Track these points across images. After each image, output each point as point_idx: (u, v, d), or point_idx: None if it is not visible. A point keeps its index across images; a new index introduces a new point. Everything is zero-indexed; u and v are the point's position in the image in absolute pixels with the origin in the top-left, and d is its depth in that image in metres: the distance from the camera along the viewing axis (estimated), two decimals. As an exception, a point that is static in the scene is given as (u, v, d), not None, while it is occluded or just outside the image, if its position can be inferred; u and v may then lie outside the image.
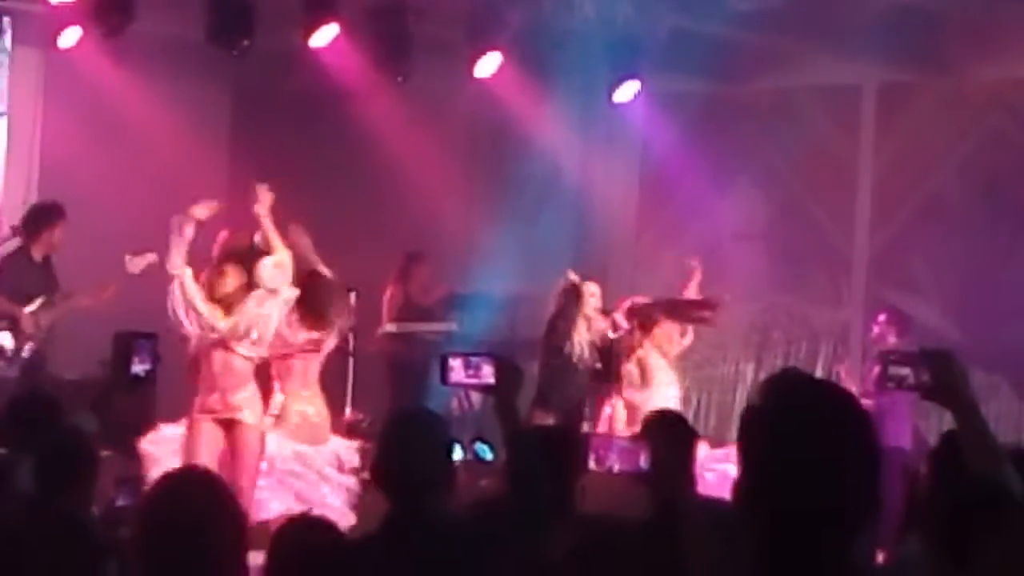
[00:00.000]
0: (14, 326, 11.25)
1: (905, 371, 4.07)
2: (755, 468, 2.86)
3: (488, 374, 4.94)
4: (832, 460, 2.80)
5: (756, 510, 2.85)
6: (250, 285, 9.56)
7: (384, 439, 4.82)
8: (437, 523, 4.61)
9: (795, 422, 2.83)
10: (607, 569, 3.83)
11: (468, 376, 4.97)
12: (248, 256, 9.72)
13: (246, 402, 9.58)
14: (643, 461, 4.06)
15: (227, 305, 9.51)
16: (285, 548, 4.21)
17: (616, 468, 4.12)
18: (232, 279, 9.61)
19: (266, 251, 9.62)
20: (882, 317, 12.06)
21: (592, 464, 4.18)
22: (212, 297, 9.51)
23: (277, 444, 9.74)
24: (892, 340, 11.72)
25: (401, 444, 4.71)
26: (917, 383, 4.02)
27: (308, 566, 4.16)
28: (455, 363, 4.99)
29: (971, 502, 3.46)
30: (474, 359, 5.04)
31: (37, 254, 11.49)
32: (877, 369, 3.98)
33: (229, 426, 9.55)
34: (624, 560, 3.90)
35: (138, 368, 5.26)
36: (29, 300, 11.30)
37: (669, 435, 5.30)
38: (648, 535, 3.90)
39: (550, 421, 10.50)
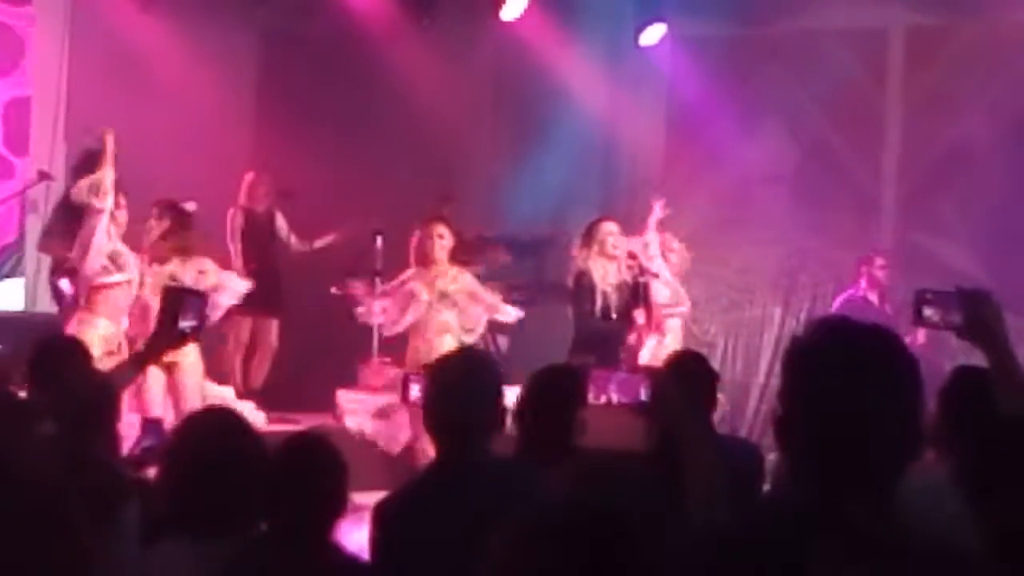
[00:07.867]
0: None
1: (939, 310, 4.09)
2: (799, 400, 2.91)
3: None
4: (876, 392, 2.86)
5: (796, 442, 2.90)
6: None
7: (434, 382, 4.73)
8: (486, 466, 4.57)
9: (842, 355, 2.88)
10: (607, 503, 3.85)
11: None
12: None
13: None
14: (643, 393, 4.05)
15: None
16: (292, 463, 4.19)
17: (615, 400, 4.12)
18: None
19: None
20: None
21: (592, 397, 4.17)
22: None
23: None
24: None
25: (453, 387, 4.65)
26: (950, 322, 4.04)
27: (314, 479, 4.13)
28: None
29: (998, 439, 3.49)
30: None
31: None
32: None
33: None
34: (624, 494, 3.91)
35: (185, 324, 5.30)
36: None
37: (685, 373, 5.31)
38: (649, 468, 3.92)
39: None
